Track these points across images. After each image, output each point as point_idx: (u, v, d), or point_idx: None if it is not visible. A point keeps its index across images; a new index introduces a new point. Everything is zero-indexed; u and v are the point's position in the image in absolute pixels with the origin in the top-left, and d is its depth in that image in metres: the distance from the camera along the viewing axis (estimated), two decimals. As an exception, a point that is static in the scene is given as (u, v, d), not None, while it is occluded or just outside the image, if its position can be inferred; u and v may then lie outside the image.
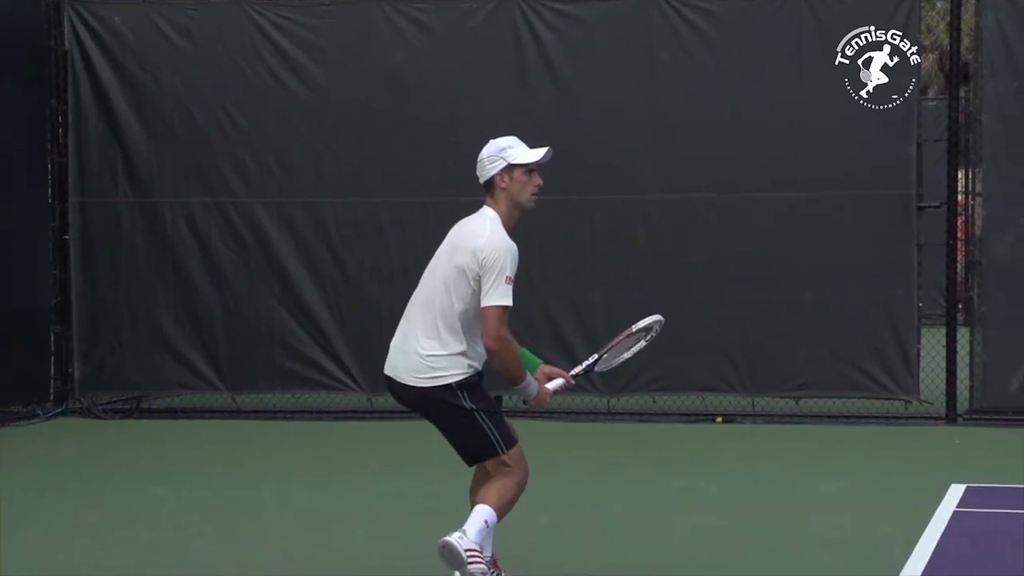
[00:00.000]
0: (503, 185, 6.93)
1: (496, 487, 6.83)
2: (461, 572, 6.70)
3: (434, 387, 6.83)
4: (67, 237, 13.83)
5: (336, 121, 13.55)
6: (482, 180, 7.00)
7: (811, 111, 12.89)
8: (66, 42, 13.81)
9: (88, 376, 13.88)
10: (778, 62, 12.98)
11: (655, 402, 13.41)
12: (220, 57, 13.69)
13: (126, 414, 13.88)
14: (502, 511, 6.84)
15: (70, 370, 13.85)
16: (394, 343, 7.07)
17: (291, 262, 13.57)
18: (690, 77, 13.11)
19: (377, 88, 13.50)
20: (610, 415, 13.34)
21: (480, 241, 6.80)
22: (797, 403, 13.15)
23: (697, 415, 13.27)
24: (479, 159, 7.01)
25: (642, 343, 7.41)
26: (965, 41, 13.17)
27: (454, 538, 6.65)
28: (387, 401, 13.48)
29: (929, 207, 12.83)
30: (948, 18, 12.95)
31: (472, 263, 6.79)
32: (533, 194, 6.99)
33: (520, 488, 6.90)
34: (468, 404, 6.84)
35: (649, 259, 13.18)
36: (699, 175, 13.10)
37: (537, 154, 6.97)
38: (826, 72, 12.84)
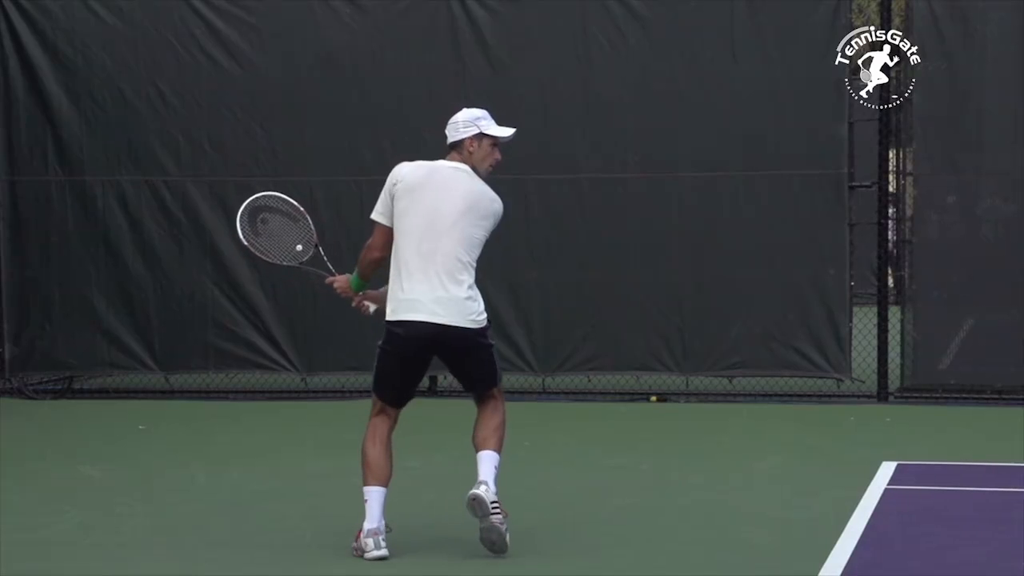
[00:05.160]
0: (471, 149, 7.61)
1: (494, 429, 7.59)
2: (484, 522, 7.39)
3: (481, 329, 7.55)
4: (-4, 216, 13.72)
5: (269, 100, 13.47)
6: (451, 140, 7.65)
7: (744, 91, 12.93)
8: (-6, 19, 13.68)
9: (19, 356, 13.74)
10: (711, 42, 13.00)
11: (590, 381, 13.44)
12: (151, 35, 13.55)
13: (58, 394, 13.77)
14: (503, 447, 7.63)
15: (0, 350, 13.72)
16: (427, 293, 7.46)
17: (224, 241, 13.47)
18: (624, 56, 13.12)
19: (310, 67, 13.42)
20: (545, 394, 13.36)
21: (496, 205, 7.64)
22: (731, 382, 13.22)
23: (632, 394, 13.31)
24: (453, 121, 7.66)
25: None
26: (896, 21, 13.23)
27: (481, 491, 7.37)
28: (321, 381, 13.52)
29: (860, 186, 12.92)
30: (880, -2, 13.04)
31: (492, 224, 7.65)
32: (491, 166, 7.68)
33: (506, 417, 7.69)
34: (491, 341, 7.67)
35: (584, 238, 13.20)
36: (633, 155, 13.12)
37: (507, 131, 7.66)
38: (759, 52, 12.91)
